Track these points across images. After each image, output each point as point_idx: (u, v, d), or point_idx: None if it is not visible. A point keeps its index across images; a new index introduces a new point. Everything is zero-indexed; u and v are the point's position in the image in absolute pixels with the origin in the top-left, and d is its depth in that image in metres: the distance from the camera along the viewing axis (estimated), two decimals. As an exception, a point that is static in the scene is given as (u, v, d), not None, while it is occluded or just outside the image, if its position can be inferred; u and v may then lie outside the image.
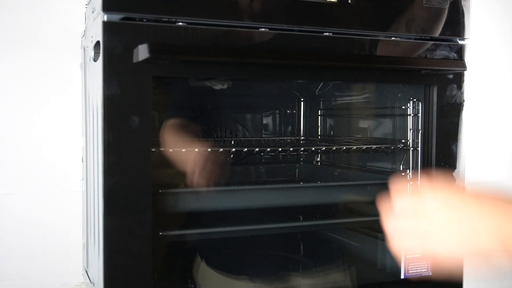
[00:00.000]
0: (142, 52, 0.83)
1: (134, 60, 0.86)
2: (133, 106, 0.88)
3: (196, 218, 1.11)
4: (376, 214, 1.25)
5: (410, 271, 1.09)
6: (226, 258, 1.20)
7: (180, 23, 0.91)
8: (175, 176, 1.22)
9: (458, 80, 1.11)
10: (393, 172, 1.25)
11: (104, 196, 0.87)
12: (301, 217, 1.25)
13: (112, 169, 0.87)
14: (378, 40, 1.05)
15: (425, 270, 1.10)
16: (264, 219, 1.14)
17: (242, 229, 1.13)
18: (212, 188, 1.10)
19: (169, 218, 1.04)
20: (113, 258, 0.89)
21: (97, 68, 0.90)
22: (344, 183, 1.35)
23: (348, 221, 1.29)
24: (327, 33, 1.01)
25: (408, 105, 1.17)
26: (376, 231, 1.26)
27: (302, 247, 1.40)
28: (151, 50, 0.82)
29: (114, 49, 0.86)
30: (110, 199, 0.88)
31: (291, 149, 1.27)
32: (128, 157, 0.88)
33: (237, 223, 1.11)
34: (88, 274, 1.10)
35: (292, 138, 1.54)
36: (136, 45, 0.85)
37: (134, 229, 0.89)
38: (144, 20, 0.88)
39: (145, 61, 0.84)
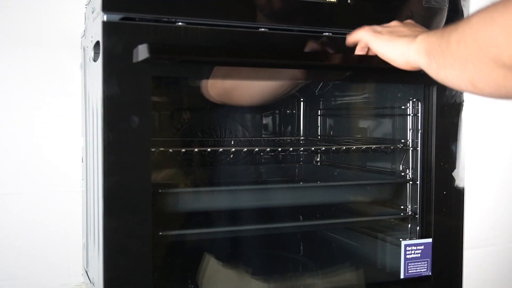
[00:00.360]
0: (142, 52, 0.83)
1: (134, 60, 0.86)
2: (133, 106, 0.88)
3: (196, 218, 1.11)
4: (376, 214, 1.26)
5: (410, 271, 1.09)
6: (227, 258, 1.20)
7: (180, 23, 0.91)
8: (175, 175, 1.23)
9: (458, 80, 1.11)
10: (392, 172, 1.25)
11: (104, 196, 0.87)
12: (301, 217, 1.25)
13: (112, 169, 0.87)
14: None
15: (425, 270, 1.10)
16: (263, 219, 1.14)
17: (242, 229, 1.13)
18: (212, 188, 1.09)
19: (169, 218, 1.04)
20: (113, 258, 0.89)
21: (97, 68, 0.90)
22: (343, 183, 1.35)
23: (348, 221, 1.29)
24: (327, 33, 1.01)
25: (408, 105, 1.17)
26: (376, 231, 1.26)
27: (301, 247, 1.40)
28: (151, 50, 0.82)
29: (113, 49, 0.86)
30: (110, 199, 0.88)
31: (291, 149, 1.27)
32: (128, 157, 0.88)
33: (237, 223, 1.11)
34: (88, 274, 1.10)
35: (292, 138, 1.54)
36: (135, 45, 0.85)
37: (134, 229, 0.89)
38: (144, 20, 0.89)
39: (145, 61, 0.84)
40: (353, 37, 0.96)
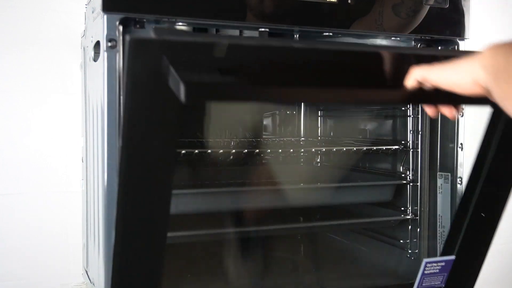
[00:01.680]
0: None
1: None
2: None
3: (197, 218, 1.10)
4: (376, 215, 1.25)
5: (424, 284, 1.04)
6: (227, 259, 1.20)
7: (180, 23, 0.91)
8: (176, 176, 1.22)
9: (458, 80, 1.10)
10: (393, 173, 1.25)
11: (104, 196, 0.87)
12: (301, 219, 1.24)
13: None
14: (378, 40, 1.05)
15: (439, 283, 1.04)
16: (264, 220, 1.14)
17: (243, 230, 1.13)
18: (213, 189, 1.09)
19: (170, 218, 1.03)
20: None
21: (97, 68, 0.90)
22: (344, 184, 1.34)
23: (347, 223, 1.28)
24: (327, 33, 1.01)
25: (408, 106, 1.17)
26: (376, 232, 1.26)
27: (302, 249, 1.40)
28: (188, 93, 0.77)
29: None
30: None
31: (292, 150, 1.27)
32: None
33: (238, 225, 1.11)
34: (88, 274, 1.10)
35: (292, 139, 1.54)
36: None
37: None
38: (144, 20, 0.88)
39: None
40: (409, 81, 0.74)
